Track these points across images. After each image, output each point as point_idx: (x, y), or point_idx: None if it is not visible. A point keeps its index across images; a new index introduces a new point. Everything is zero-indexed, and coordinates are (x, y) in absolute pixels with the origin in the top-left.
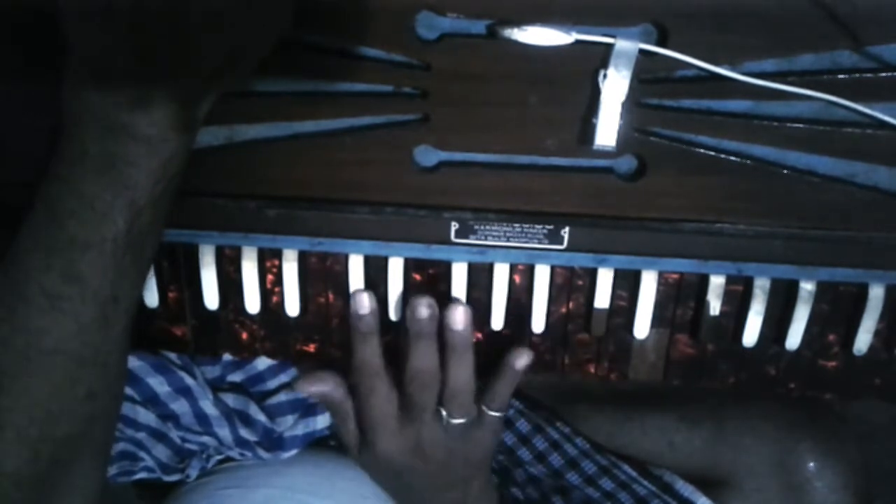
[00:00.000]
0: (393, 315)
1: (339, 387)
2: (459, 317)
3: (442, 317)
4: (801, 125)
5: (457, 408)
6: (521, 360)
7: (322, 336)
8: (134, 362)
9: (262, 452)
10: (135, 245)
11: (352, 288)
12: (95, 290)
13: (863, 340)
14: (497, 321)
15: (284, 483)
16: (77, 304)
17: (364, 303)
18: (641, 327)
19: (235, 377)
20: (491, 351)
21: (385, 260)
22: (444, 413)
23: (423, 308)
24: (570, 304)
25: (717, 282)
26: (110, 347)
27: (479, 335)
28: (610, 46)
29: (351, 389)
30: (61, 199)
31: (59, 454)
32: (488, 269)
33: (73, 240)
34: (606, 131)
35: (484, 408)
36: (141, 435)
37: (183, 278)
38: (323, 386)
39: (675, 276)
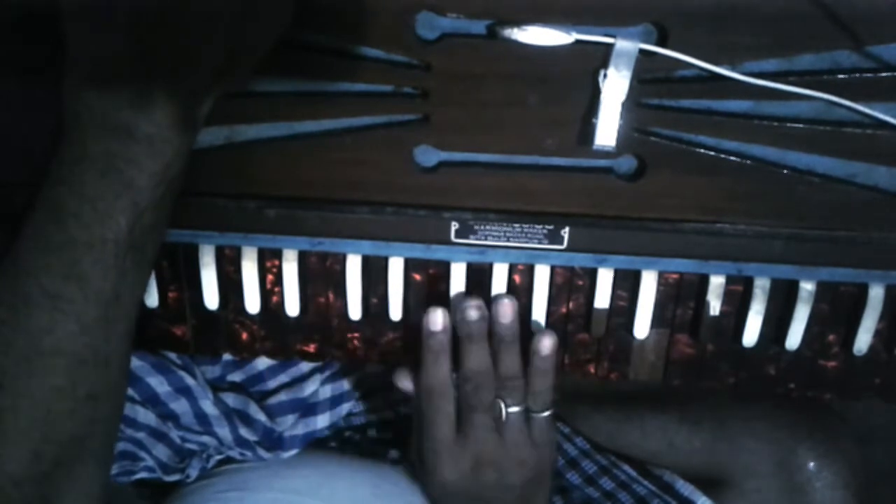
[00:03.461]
0: (394, 315)
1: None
2: (507, 310)
3: (490, 313)
4: (801, 125)
5: (509, 393)
6: (545, 342)
7: (322, 336)
8: (134, 362)
9: (262, 452)
10: (136, 246)
11: (350, 288)
12: (97, 290)
13: (863, 340)
14: None
15: (285, 486)
16: (79, 305)
17: (438, 320)
18: (641, 327)
19: (235, 377)
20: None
21: (385, 260)
22: (500, 404)
23: (473, 311)
24: (570, 304)
25: (717, 282)
26: (112, 348)
27: None
28: (610, 46)
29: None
30: (62, 200)
31: (61, 455)
32: (488, 269)
33: (75, 240)
34: (606, 131)
35: (529, 412)
36: (141, 435)
37: (183, 278)
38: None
39: (675, 276)
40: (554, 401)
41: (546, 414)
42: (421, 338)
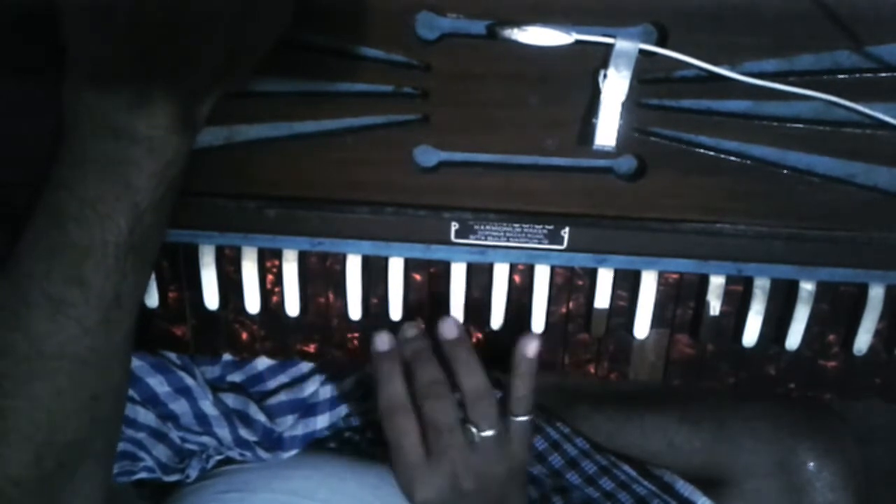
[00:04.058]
0: (394, 315)
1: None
2: (449, 326)
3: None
4: (801, 125)
5: (482, 417)
6: (529, 345)
7: (322, 336)
8: (134, 362)
9: (261, 452)
10: (137, 247)
11: (350, 288)
12: (98, 293)
13: (863, 340)
14: (497, 321)
15: (284, 487)
16: (80, 308)
17: (384, 341)
18: (641, 327)
19: (235, 377)
20: (491, 351)
21: (385, 260)
22: (473, 430)
23: (410, 330)
24: (570, 304)
25: (717, 282)
26: (114, 350)
27: (480, 335)
28: (610, 46)
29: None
30: (62, 202)
31: (63, 458)
32: (488, 269)
33: (75, 243)
34: (606, 131)
35: (510, 415)
36: (141, 435)
37: (183, 278)
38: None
39: (675, 276)
40: (535, 404)
41: (526, 419)
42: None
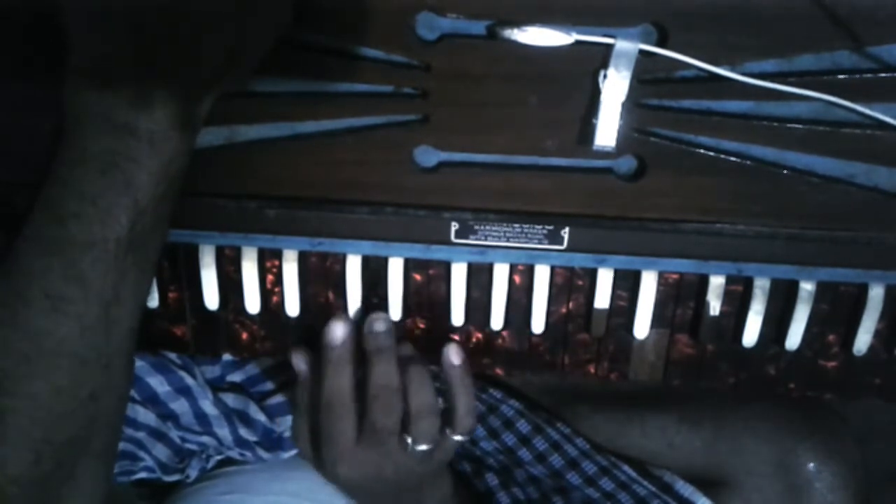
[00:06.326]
0: (394, 315)
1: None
2: (407, 349)
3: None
4: (801, 125)
5: (422, 434)
6: (451, 352)
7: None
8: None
9: (261, 452)
10: (137, 246)
11: (350, 288)
12: (98, 291)
13: (863, 340)
14: (497, 321)
15: (285, 488)
16: (79, 305)
17: (337, 333)
18: (641, 327)
19: (235, 377)
20: (491, 351)
21: (385, 260)
22: (409, 441)
23: (380, 323)
24: (570, 304)
25: (717, 282)
26: (114, 349)
27: (479, 335)
28: (610, 47)
29: (314, 407)
30: (63, 199)
31: (62, 456)
32: (488, 270)
33: (75, 240)
34: (606, 131)
35: (448, 432)
36: (141, 434)
37: (183, 278)
38: (302, 364)
39: (675, 276)
40: (475, 425)
41: (463, 439)
42: (325, 350)
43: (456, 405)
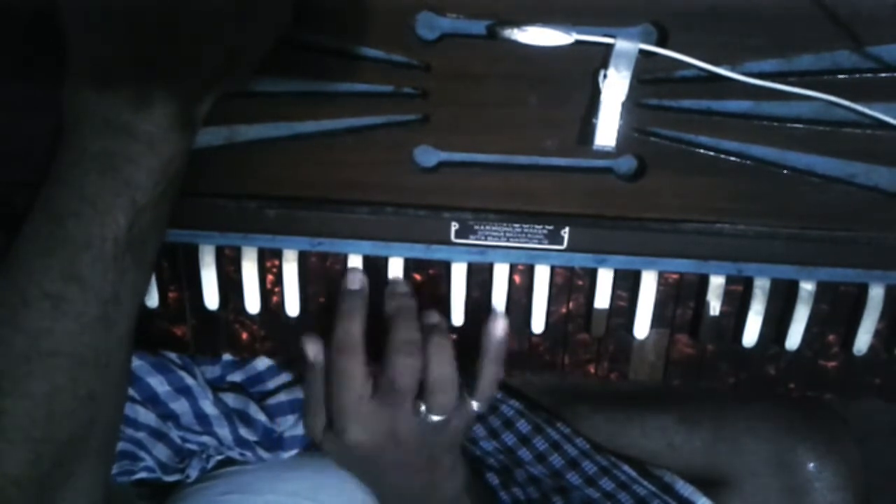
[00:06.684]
0: None
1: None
2: (434, 317)
3: (421, 313)
4: (801, 125)
5: (437, 406)
6: (497, 325)
7: (322, 336)
8: (134, 362)
9: (262, 452)
10: (136, 245)
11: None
12: (96, 290)
13: (863, 340)
14: None
15: (286, 488)
16: (78, 305)
17: (356, 279)
18: (641, 327)
19: (235, 377)
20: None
21: (385, 260)
22: (423, 408)
23: (402, 286)
24: (570, 304)
25: (717, 282)
26: (112, 349)
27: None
28: (610, 47)
29: (328, 385)
30: (62, 199)
31: (61, 456)
32: (488, 269)
33: (74, 239)
34: (606, 131)
35: (467, 396)
36: (141, 434)
37: (183, 278)
38: (315, 348)
39: (675, 276)
40: (494, 398)
41: (481, 406)
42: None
43: (482, 373)
